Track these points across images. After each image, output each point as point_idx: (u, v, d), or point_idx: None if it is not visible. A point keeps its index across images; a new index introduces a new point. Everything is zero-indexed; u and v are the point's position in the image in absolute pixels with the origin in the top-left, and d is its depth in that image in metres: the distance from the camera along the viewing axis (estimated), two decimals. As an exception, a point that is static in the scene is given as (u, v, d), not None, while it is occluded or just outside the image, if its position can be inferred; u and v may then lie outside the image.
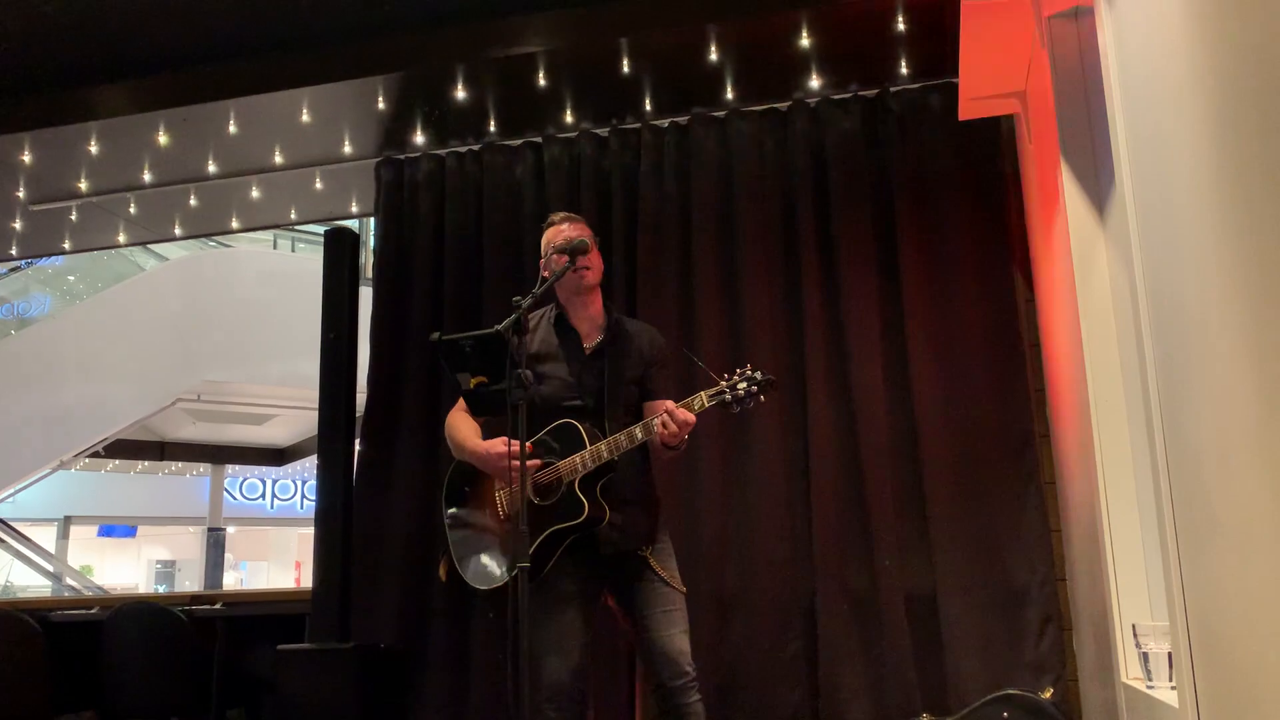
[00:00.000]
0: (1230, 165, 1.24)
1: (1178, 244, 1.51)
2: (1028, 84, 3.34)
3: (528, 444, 2.51)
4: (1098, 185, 2.64)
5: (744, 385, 2.76)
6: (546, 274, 2.98)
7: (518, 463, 2.85)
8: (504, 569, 2.92)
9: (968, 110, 3.64)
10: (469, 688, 3.84)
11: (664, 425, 2.74)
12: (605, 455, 2.82)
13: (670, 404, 2.77)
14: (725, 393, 2.77)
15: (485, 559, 2.97)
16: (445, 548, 3.06)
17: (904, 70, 3.94)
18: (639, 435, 2.79)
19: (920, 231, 3.84)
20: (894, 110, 3.96)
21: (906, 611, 3.58)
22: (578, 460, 2.85)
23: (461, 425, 3.04)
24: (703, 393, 2.78)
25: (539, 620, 2.93)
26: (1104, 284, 2.59)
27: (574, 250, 2.90)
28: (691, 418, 2.75)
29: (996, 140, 3.87)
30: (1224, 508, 1.38)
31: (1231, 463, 1.34)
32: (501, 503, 2.97)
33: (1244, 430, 1.27)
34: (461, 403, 3.11)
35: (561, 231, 3.04)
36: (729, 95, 4.07)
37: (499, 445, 2.90)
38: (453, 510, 3.07)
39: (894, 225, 3.88)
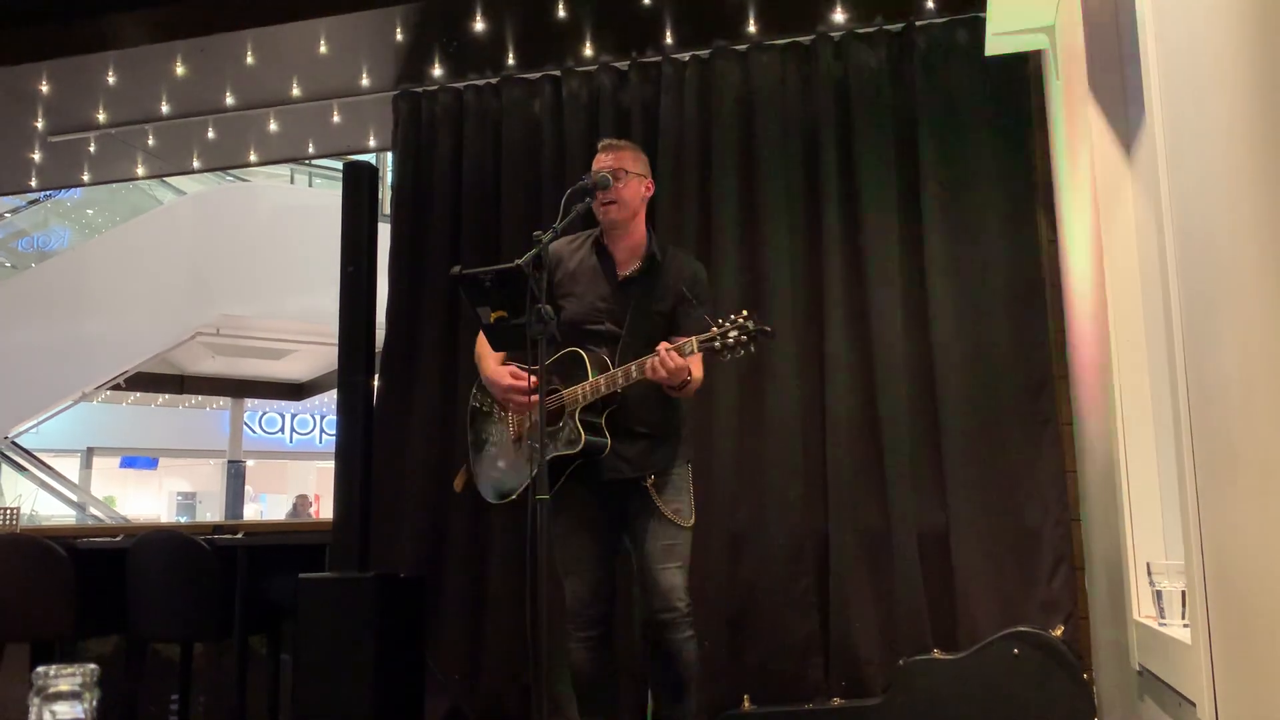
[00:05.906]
0: (1272, 102, 1.21)
1: (1209, 182, 1.49)
2: (1057, 18, 3.28)
3: (533, 379, 2.52)
4: (1126, 123, 2.59)
5: (735, 334, 2.71)
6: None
7: (519, 394, 2.90)
8: (512, 487, 2.97)
9: (995, 46, 3.58)
10: (485, 616, 3.91)
11: (654, 369, 2.72)
12: (604, 389, 2.82)
13: (665, 346, 2.74)
14: (715, 340, 2.72)
15: (497, 475, 3.04)
16: (465, 461, 3.13)
17: (930, 4, 3.86)
18: (634, 374, 2.78)
19: (943, 169, 3.80)
20: (919, 45, 3.89)
21: (919, 548, 3.60)
22: (579, 391, 2.86)
23: (488, 344, 3.06)
24: (694, 337, 2.75)
25: (555, 546, 2.98)
26: (1128, 223, 2.56)
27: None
28: (683, 363, 2.72)
29: (1024, 77, 3.80)
30: (1245, 445, 1.38)
31: (1255, 401, 1.33)
32: (512, 423, 3.01)
33: (1269, 368, 1.27)
34: None
35: (596, 162, 3.02)
36: (751, 28, 4.00)
37: (505, 376, 2.94)
38: (474, 425, 3.13)
39: (916, 162, 3.83)
